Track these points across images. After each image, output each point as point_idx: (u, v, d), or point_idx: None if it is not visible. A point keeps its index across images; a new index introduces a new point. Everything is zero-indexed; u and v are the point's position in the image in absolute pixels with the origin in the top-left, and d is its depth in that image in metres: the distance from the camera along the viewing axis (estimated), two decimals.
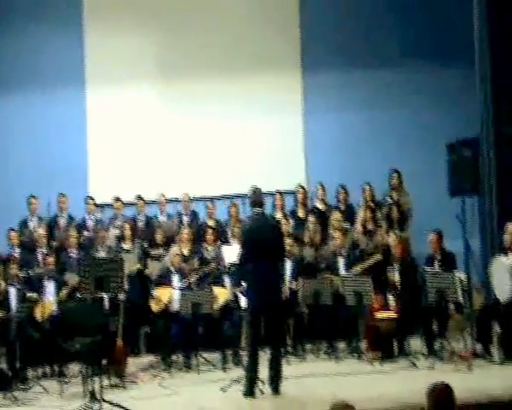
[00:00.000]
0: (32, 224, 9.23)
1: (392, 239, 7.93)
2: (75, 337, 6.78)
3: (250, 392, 6.06)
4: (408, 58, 10.18)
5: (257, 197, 6.45)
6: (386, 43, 10.23)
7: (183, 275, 8.05)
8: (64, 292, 7.81)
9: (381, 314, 7.36)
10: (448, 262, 7.44)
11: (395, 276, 7.58)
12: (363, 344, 7.51)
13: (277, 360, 6.19)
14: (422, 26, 10.14)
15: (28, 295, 7.70)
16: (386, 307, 7.42)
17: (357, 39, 10.27)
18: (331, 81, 10.31)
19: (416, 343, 7.41)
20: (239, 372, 6.52)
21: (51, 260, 8.06)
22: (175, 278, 8.02)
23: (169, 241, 8.96)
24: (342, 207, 9.23)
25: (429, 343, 7.17)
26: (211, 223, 9.27)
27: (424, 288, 7.08)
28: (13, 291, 7.57)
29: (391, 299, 7.40)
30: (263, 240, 6.22)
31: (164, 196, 9.59)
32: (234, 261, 7.40)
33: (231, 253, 7.59)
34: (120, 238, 8.93)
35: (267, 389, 6.12)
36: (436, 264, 7.52)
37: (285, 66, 10.44)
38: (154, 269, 8.53)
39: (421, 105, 10.09)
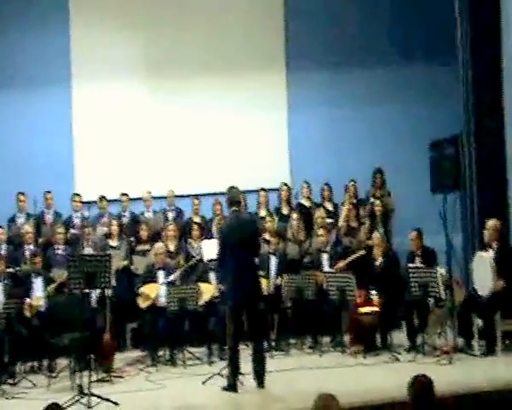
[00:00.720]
0: (20, 220, 9.25)
1: (376, 234, 8.03)
2: (63, 333, 6.85)
3: (232, 387, 6.13)
4: (394, 54, 10.32)
5: (233, 196, 6.48)
6: (372, 39, 10.32)
7: (168, 271, 8.10)
8: (52, 287, 7.83)
9: (363, 309, 7.46)
10: (428, 258, 7.56)
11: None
12: (347, 338, 7.61)
13: (261, 354, 6.26)
14: (410, 23, 10.27)
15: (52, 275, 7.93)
16: (369, 301, 7.51)
17: (342, 35, 10.36)
18: (316, 77, 10.39)
19: (398, 337, 7.53)
20: (223, 366, 6.56)
21: (39, 259, 8.06)
22: (160, 274, 8.06)
23: (155, 237, 9.02)
24: (327, 204, 9.33)
25: (411, 337, 7.30)
26: (196, 219, 9.33)
27: (407, 283, 7.17)
28: (0, 287, 7.58)
29: (374, 294, 7.49)
30: (240, 238, 6.25)
31: (149, 192, 9.63)
32: (212, 258, 7.45)
33: (211, 248, 7.59)
34: (107, 235, 8.96)
35: (252, 382, 6.18)
36: (417, 260, 7.63)
37: (270, 62, 10.51)
38: (139, 265, 8.58)
39: (406, 102, 10.22)
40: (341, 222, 8.92)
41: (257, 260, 6.59)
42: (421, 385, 3.88)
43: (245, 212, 9.01)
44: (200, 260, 8.32)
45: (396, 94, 10.26)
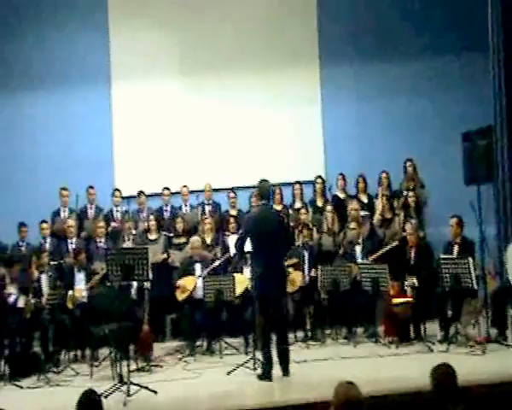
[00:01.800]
0: (64, 215, 9.49)
1: (409, 226, 8.00)
2: (103, 323, 7.01)
3: (266, 376, 6.23)
4: (424, 48, 10.21)
5: (263, 190, 6.54)
6: (402, 33, 10.26)
7: (205, 263, 8.21)
8: (95, 279, 8.02)
9: (397, 300, 7.45)
10: (466, 249, 7.45)
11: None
12: (381, 329, 7.63)
13: (284, 344, 6.35)
14: (440, 14, 10.15)
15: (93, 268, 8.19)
16: (402, 292, 7.51)
17: (374, 30, 10.33)
18: (349, 72, 10.40)
19: (432, 328, 7.47)
20: (250, 357, 6.69)
21: (81, 253, 8.26)
22: (197, 267, 8.18)
23: (191, 230, 9.15)
24: (361, 196, 9.33)
25: (444, 328, 7.26)
26: (233, 212, 9.43)
27: (440, 274, 7.14)
28: (45, 279, 7.81)
29: (408, 285, 7.48)
30: (267, 231, 6.32)
31: (186, 187, 9.76)
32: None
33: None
34: (147, 230, 9.12)
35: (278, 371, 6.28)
36: (455, 250, 7.53)
37: (303, 58, 10.52)
38: (176, 258, 8.73)
39: (437, 94, 10.14)
40: (376, 214, 8.91)
41: (286, 252, 6.64)
42: (443, 374, 3.88)
43: (278, 205, 9.17)
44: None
45: (427, 86, 10.19)
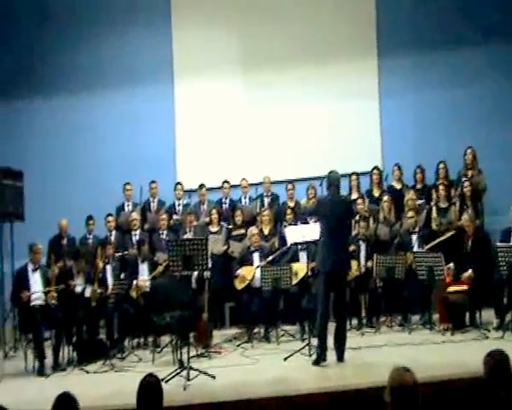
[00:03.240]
0: (128, 209, 9.77)
1: (465, 216, 7.87)
2: (165, 312, 7.18)
3: (321, 359, 6.31)
4: (482, 37, 9.99)
5: (332, 179, 6.64)
6: (460, 23, 10.06)
7: (263, 253, 8.30)
8: (158, 270, 8.23)
9: (452, 287, 7.35)
10: None
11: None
12: (436, 316, 7.53)
13: (343, 331, 6.41)
14: (497, 5, 9.90)
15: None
16: (458, 280, 7.40)
17: (431, 21, 10.17)
18: (406, 63, 10.28)
19: (487, 315, 7.35)
20: (306, 343, 6.73)
21: (145, 245, 8.49)
22: (256, 257, 8.29)
23: (250, 222, 9.26)
24: (418, 186, 9.21)
25: (500, 315, 7.12)
26: (291, 204, 9.48)
27: (496, 261, 7.00)
28: (110, 270, 8.08)
29: (464, 278, 7.39)
30: (337, 216, 6.46)
31: (246, 180, 9.87)
32: (296, 241, 7.57)
33: (294, 233, 7.64)
34: (208, 223, 9.28)
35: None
36: None
37: (361, 50, 10.47)
38: (235, 249, 8.86)
39: (496, 83, 9.92)
40: (432, 204, 8.78)
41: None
42: (496, 361, 3.81)
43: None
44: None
45: (485, 76, 9.98)
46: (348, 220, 6.79)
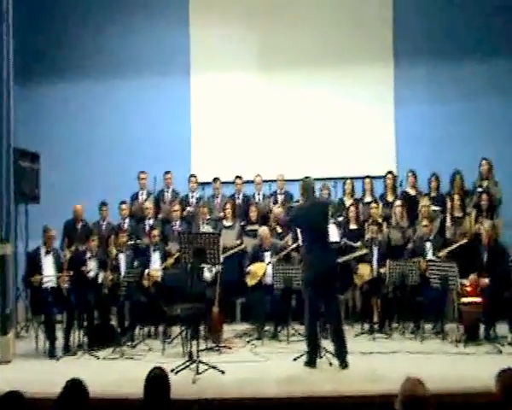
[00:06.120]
0: (142, 197, 9.64)
1: (481, 227, 7.72)
2: (176, 303, 7.06)
3: (310, 362, 6.23)
4: (499, 50, 9.89)
5: (309, 186, 6.56)
6: (475, 35, 9.94)
7: (275, 251, 8.18)
8: (170, 260, 8.11)
9: (466, 299, 7.20)
10: None
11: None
12: (448, 326, 7.39)
13: (338, 335, 6.26)
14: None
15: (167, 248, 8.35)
16: (474, 291, 7.25)
17: (448, 31, 10.06)
18: (422, 72, 10.19)
19: (503, 329, 7.18)
20: (325, 344, 6.57)
21: (157, 232, 8.38)
22: (267, 254, 8.16)
23: (264, 218, 9.13)
24: (433, 194, 9.07)
25: None
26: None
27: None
28: (123, 258, 7.96)
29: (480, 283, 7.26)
30: (312, 221, 6.36)
31: (260, 176, 9.74)
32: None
33: None
34: (223, 217, 9.15)
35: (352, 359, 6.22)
36: None
37: (378, 57, 10.35)
38: (248, 245, 8.73)
39: (510, 94, 9.78)
40: (447, 213, 8.64)
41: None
42: (509, 379, 3.67)
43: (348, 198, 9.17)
44: None
45: (500, 87, 9.88)
46: (325, 223, 6.58)
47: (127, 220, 9.16)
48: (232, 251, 8.24)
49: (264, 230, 8.34)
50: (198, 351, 6.19)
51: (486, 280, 7.24)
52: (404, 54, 10.20)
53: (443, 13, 10.10)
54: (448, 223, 8.51)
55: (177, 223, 9.02)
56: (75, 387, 3.63)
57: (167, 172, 9.74)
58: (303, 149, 10.36)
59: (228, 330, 7.90)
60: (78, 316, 7.30)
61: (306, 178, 6.65)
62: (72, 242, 8.38)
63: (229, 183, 9.88)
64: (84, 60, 10.63)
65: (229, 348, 7.20)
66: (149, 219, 9.08)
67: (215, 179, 9.69)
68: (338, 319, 6.42)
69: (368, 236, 8.37)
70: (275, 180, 9.82)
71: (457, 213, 8.54)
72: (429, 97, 10.16)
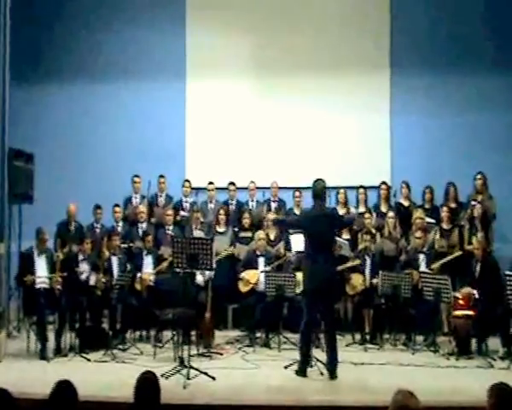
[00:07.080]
0: (135, 201, 9.60)
1: (475, 239, 7.72)
2: (168, 307, 7.05)
3: (301, 371, 6.21)
4: (496, 62, 9.91)
5: (318, 190, 6.42)
6: (474, 47, 9.97)
7: (268, 258, 8.17)
8: (163, 265, 8.07)
9: (458, 312, 7.19)
10: None
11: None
12: (440, 339, 7.38)
13: (332, 345, 6.23)
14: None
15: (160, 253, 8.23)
16: (467, 304, 7.24)
17: (445, 43, 10.08)
18: (419, 83, 10.14)
19: (494, 343, 7.13)
20: (316, 354, 6.56)
21: (150, 237, 8.35)
22: (261, 261, 8.14)
23: (257, 225, 9.11)
24: (427, 206, 9.08)
25: (506, 345, 6.93)
26: (297, 211, 9.34)
27: (504, 291, 6.84)
28: (115, 261, 7.92)
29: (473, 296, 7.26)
30: (318, 231, 6.24)
31: (254, 183, 9.73)
32: (300, 250, 7.40)
33: (298, 241, 7.50)
34: (216, 223, 9.12)
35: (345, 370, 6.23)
36: None
37: (374, 66, 10.32)
38: (241, 251, 8.70)
39: (508, 110, 9.83)
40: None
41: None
42: (501, 394, 3.64)
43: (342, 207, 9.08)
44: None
45: (496, 101, 9.90)
46: (332, 234, 6.53)
47: (121, 223, 9.12)
48: (222, 255, 8.18)
49: (261, 233, 8.34)
50: (189, 356, 6.16)
51: (475, 292, 7.24)
52: (400, 64, 10.19)
53: (440, 25, 10.11)
54: (437, 235, 8.50)
55: (170, 227, 8.97)
56: (64, 388, 3.60)
57: (161, 177, 9.71)
58: (297, 157, 10.33)
59: (219, 335, 7.87)
60: (70, 318, 7.24)
61: (316, 181, 6.49)
62: (65, 243, 8.31)
63: (223, 189, 9.85)
64: (79, 63, 10.57)
65: (221, 354, 7.16)
66: (142, 222, 9.04)
67: (210, 184, 9.66)
68: (334, 329, 6.40)
69: (361, 246, 8.35)
70: (268, 187, 9.80)
71: (445, 226, 8.54)
72: (425, 108, 10.14)
